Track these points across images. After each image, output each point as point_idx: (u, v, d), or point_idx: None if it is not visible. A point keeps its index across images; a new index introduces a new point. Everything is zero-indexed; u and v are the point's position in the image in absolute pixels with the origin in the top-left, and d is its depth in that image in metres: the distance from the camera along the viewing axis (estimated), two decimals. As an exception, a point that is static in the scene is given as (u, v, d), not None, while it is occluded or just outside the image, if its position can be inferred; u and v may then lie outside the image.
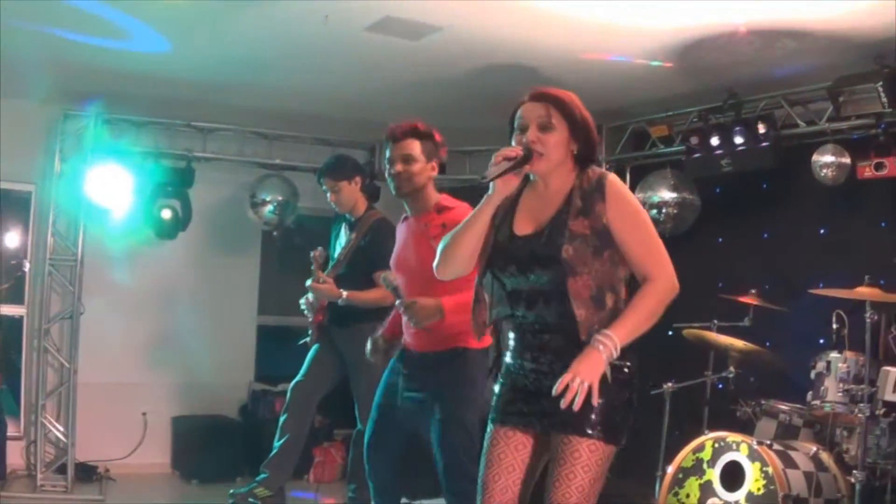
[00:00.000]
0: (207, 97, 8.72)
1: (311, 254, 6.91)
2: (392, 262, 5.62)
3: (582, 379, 3.60)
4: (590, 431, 3.76)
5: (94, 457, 8.95)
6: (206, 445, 9.17)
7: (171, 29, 6.97)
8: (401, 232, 5.65)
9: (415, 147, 5.39)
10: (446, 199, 5.46)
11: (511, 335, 4.03)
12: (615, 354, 3.67)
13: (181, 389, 9.67)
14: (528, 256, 3.88)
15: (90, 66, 7.79)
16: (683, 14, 6.28)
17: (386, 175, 5.53)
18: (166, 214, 9.09)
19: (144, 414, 9.47)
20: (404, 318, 5.33)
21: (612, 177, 3.93)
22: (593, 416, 3.75)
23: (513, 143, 3.95)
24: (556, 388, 3.61)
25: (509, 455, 3.98)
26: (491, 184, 3.83)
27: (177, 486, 9.04)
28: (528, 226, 3.97)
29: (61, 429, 8.85)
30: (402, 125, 5.47)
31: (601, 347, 3.65)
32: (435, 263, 4.09)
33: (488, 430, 4.08)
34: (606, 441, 3.79)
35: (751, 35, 6.61)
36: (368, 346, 5.70)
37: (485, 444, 4.08)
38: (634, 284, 3.89)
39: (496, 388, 4.13)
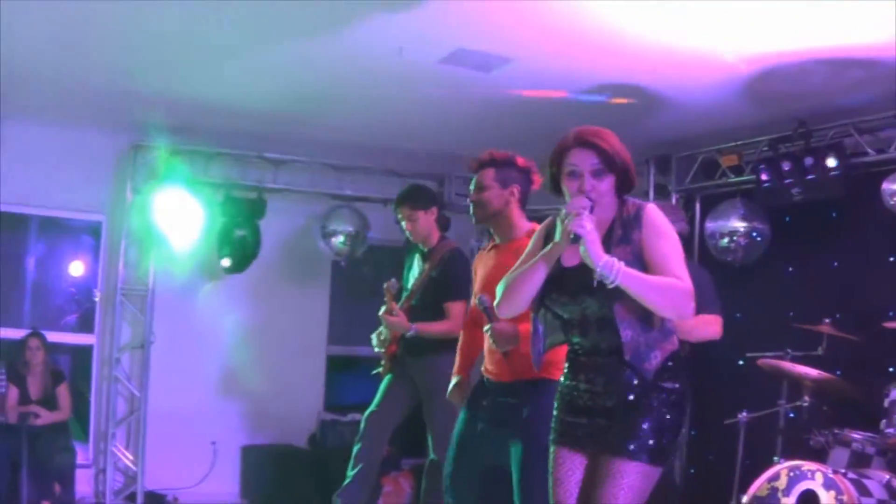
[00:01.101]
0: (279, 129, 8.84)
1: (385, 285, 6.97)
2: (477, 288, 5.60)
3: (586, 221, 3.88)
4: (637, 453, 3.94)
5: (162, 485, 9.02)
6: (276, 475, 9.19)
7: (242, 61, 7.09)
8: (488, 258, 5.60)
9: (487, 175, 5.44)
10: (537, 226, 5.49)
11: (569, 358, 4.24)
12: (613, 270, 3.81)
13: (250, 419, 9.74)
14: (578, 286, 4.05)
15: (162, 96, 7.91)
16: (754, 43, 6.32)
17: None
18: (237, 245, 9.17)
19: (214, 443, 9.54)
20: (487, 346, 5.39)
21: (651, 206, 4.16)
22: (642, 439, 3.95)
23: (564, 188, 4.14)
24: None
25: (575, 474, 4.15)
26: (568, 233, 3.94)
27: (246, 514, 9.08)
28: (576, 257, 4.07)
29: (130, 457, 8.93)
30: (480, 156, 5.55)
31: (611, 257, 3.86)
32: (496, 303, 4.29)
33: (551, 450, 4.25)
34: (652, 464, 3.97)
35: (820, 65, 6.63)
36: (450, 388, 5.79)
37: (550, 463, 4.25)
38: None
39: (555, 410, 4.30)
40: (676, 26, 6.08)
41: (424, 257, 7.15)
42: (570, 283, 4.09)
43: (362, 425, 7.23)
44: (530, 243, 4.41)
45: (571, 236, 3.89)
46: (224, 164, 9.33)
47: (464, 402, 5.66)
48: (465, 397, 5.66)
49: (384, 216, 9.64)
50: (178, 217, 8.72)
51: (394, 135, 9.03)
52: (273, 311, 9.87)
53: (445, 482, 5.62)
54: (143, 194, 8.92)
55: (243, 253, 9.20)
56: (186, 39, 6.57)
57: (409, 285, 7.19)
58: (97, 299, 9.20)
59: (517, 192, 5.46)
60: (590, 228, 3.88)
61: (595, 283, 3.86)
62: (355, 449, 7.20)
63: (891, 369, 7.20)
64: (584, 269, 4.01)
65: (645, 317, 4.00)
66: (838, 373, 7.10)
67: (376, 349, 7.25)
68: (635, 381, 4.00)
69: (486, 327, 5.23)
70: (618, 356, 4.00)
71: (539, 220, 5.49)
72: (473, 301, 5.65)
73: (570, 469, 4.16)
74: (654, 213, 4.11)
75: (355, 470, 7.16)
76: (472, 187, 5.53)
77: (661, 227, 4.09)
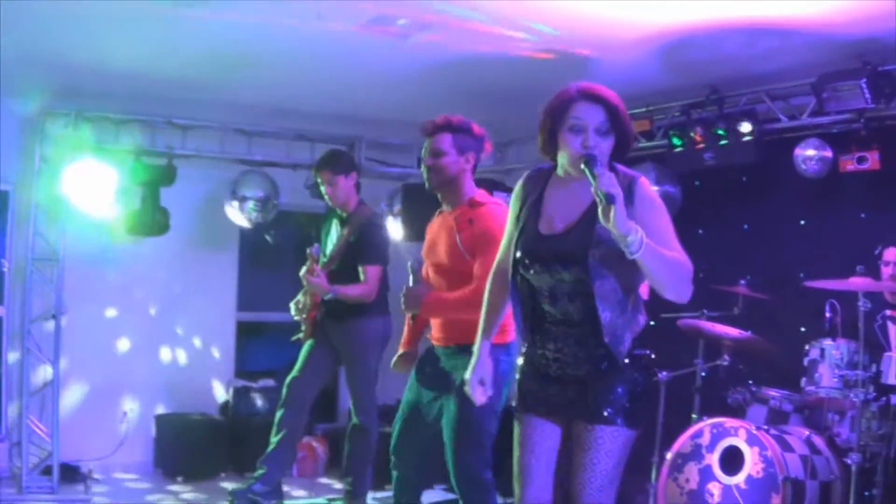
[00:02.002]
0: (188, 94, 8.70)
1: (308, 251, 7.00)
2: (423, 252, 5.70)
3: (615, 190, 3.62)
4: (612, 418, 3.95)
5: (76, 457, 8.88)
6: (189, 443, 9.14)
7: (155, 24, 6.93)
8: (435, 224, 5.66)
9: (445, 141, 5.41)
10: (481, 195, 5.49)
11: (536, 326, 4.14)
12: (638, 239, 3.62)
13: (162, 387, 9.60)
14: (552, 255, 3.99)
15: (69, 63, 7.73)
16: (670, 11, 6.41)
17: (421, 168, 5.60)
18: (147, 212, 9.03)
19: (126, 413, 9.39)
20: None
21: (643, 179, 4.00)
22: (617, 404, 3.95)
23: (563, 142, 3.97)
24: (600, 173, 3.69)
25: (545, 441, 4.13)
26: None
27: (162, 484, 8.96)
28: (555, 224, 4.06)
29: (44, 429, 8.78)
30: (437, 120, 5.51)
31: (635, 225, 3.66)
32: None
33: (520, 418, 4.20)
34: (629, 427, 3.98)
35: (736, 33, 6.76)
36: (394, 360, 5.84)
37: (517, 431, 4.20)
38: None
39: (522, 378, 4.26)
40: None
41: (343, 222, 7.21)
42: (545, 250, 4.01)
43: (284, 391, 7.27)
44: (510, 211, 4.29)
45: (604, 196, 3.61)
46: (133, 131, 9.11)
47: (409, 371, 5.76)
48: (410, 368, 5.75)
49: (293, 181, 9.64)
50: (87, 185, 8.51)
51: (305, 99, 8.97)
52: (183, 278, 9.75)
53: (393, 445, 5.72)
54: (51, 162, 8.68)
55: (154, 220, 9.07)
56: (94, 3, 6.40)
57: (328, 251, 7.23)
58: (6, 270, 8.99)
59: (472, 160, 5.47)
60: (619, 191, 3.65)
61: (626, 252, 3.66)
62: (278, 415, 7.25)
63: (802, 329, 7.43)
64: (562, 238, 3.99)
65: (624, 297, 3.95)
66: (749, 333, 7.31)
67: (295, 317, 7.28)
68: (605, 357, 3.95)
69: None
70: (588, 326, 3.94)
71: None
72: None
73: (540, 435, 4.13)
74: (646, 187, 3.98)
75: (279, 436, 7.22)
76: (425, 152, 5.49)
77: (655, 201, 3.98)
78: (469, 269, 5.21)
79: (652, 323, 7.87)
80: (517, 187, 4.28)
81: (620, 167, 4.03)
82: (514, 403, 4.29)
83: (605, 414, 3.94)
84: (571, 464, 4.03)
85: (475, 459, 5.34)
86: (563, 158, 4.03)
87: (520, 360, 4.30)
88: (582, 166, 3.79)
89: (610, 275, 3.89)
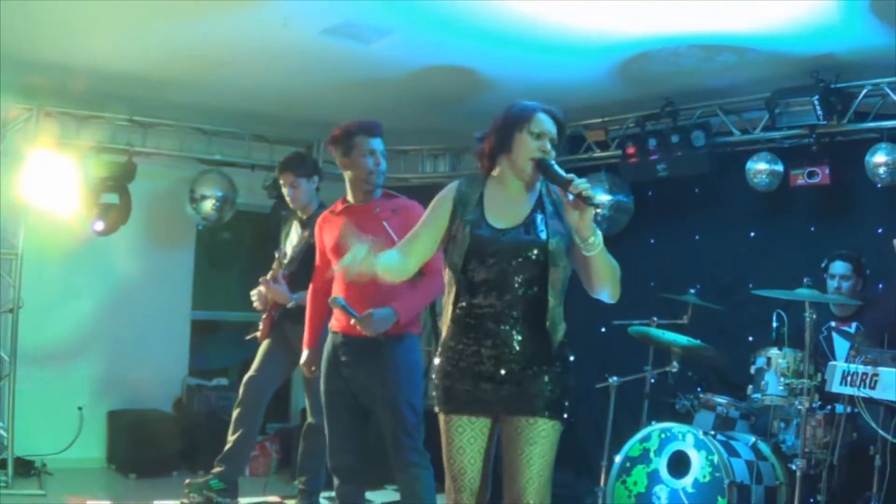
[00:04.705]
0: (150, 92, 8.69)
1: (276, 254, 7.05)
2: (333, 251, 5.86)
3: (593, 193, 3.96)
4: (548, 413, 4.11)
5: (30, 451, 8.86)
6: (142, 439, 9.15)
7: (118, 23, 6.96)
8: (337, 221, 5.87)
9: (382, 144, 5.83)
10: (386, 191, 5.91)
11: (469, 323, 4.23)
12: (598, 237, 4.02)
13: (116, 383, 9.61)
14: (513, 247, 4.14)
15: (31, 59, 7.73)
16: (629, 25, 6.55)
17: (365, 167, 5.79)
18: (107, 209, 9.06)
19: (80, 408, 9.41)
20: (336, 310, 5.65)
21: None
22: (555, 399, 4.13)
23: (522, 145, 4.18)
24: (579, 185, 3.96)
25: (477, 440, 4.25)
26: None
27: (115, 480, 9.01)
28: (506, 220, 4.22)
29: (1, 423, 8.79)
30: (374, 124, 5.84)
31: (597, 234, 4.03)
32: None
33: (446, 419, 4.28)
34: (560, 420, 4.16)
35: (694, 48, 6.92)
36: (303, 359, 6.14)
37: (447, 433, 4.28)
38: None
39: (445, 378, 4.30)
40: (554, 2, 6.25)
41: (303, 225, 7.23)
42: (503, 243, 4.15)
43: (241, 390, 7.29)
44: (441, 209, 4.37)
45: (587, 196, 3.92)
46: (94, 127, 9.14)
47: (314, 371, 6.04)
48: (317, 366, 5.99)
49: (250, 181, 9.74)
50: (48, 181, 8.54)
51: (265, 101, 9.00)
52: (140, 275, 9.74)
53: (328, 438, 5.91)
54: (12, 157, 8.67)
55: (113, 217, 9.11)
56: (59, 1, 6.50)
57: (288, 253, 7.27)
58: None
59: None
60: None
61: (586, 252, 4.02)
62: (235, 413, 7.27)
63: (750, 338, 7.59)
64: (520, 230, 4.17)
65: (562, 290, 4.17)
66: (697, 340, 7.45)
67: (255, 305, 7.31)
68: (542, 348, 4.16)
69: (352, 322, 5.47)
70: (530, 320, 4.15)
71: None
72: (333, 269, 5.73)
73: (471, 437, 4.23)
74: None
75: (236, 434, 7.22)
76: (372, 149, 5.78)
77: None
78: None
79: (603, 329, 8.13)
80: (452, 190, 4.38)
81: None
82: (436, 406, 4.34)
83: (546, 410, 4.11)
84: (510, 461, 4.15)
85: (418, 435, 5.63)
86: (515, 159, 4.23)
87: (439, 360, 4.34)
88: (548, 166, 4.15)
89: (559, 266, 4.11)
